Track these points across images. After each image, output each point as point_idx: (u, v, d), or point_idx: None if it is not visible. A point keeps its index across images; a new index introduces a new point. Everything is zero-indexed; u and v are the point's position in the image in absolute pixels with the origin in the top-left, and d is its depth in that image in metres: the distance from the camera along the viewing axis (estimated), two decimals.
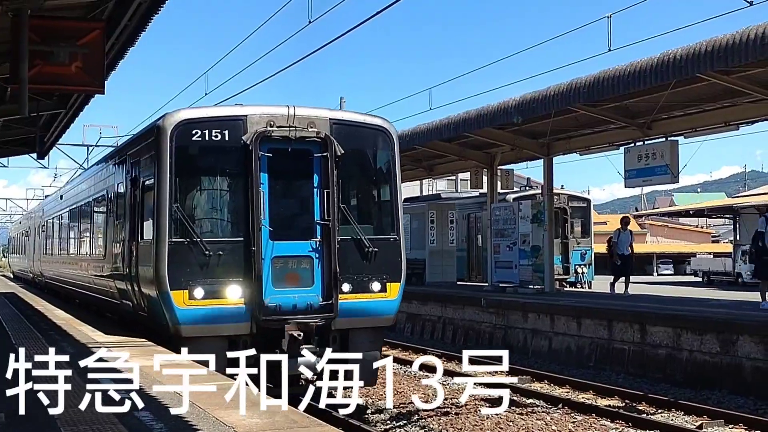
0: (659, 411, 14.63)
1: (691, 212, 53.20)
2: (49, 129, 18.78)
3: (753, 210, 42.28)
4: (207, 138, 12.53)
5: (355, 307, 13.01)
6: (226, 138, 12.59)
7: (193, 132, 12.53)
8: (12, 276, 56.12)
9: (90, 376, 7.81)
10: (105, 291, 16.96)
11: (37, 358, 7.66)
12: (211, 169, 13.22)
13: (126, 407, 7.68)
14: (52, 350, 7.84)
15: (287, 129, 12.78)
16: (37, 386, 7.62)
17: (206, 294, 12.27)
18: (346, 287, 12.90)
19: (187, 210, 12.68)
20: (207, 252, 12.30)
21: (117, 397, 7.93)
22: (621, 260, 25.33)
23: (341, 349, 12.78)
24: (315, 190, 13.03)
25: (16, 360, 7.42)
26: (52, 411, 7.52)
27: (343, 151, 12.99)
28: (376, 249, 13.16)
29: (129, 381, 8.79)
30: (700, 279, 43.99)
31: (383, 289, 13.26)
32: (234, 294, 12.37)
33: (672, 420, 13.94)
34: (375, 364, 11.26)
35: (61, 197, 26.10)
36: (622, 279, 25.69)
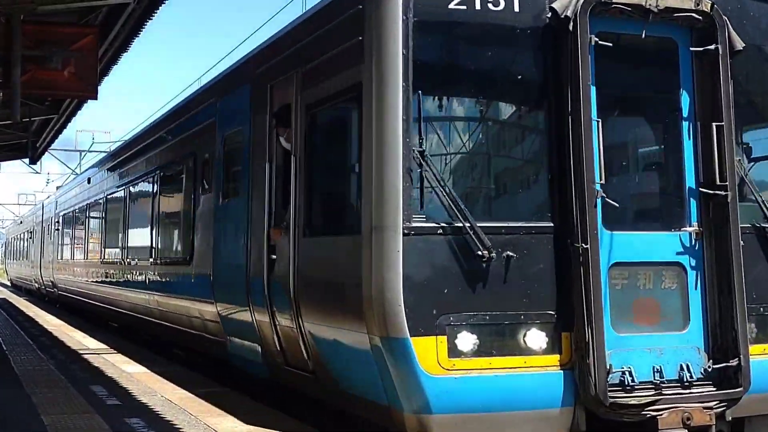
0: None
1: None
2: (41, 134, 18.70)
3: None
4: (476, 6, 6.31)
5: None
6: (515, 7, 6.39)
7: None
8: (10, 284, 50.82)
9: (83, 381, 7.81)
10: (188, 319, 10.80)
11: (31, 361, 7.65)
12: (485, 76, 6.60)
13: (118, 413, 7.69)
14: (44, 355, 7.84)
15: None
16: (28, 390, 7.63)
17: (483, 344, 6.03)
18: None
19: (439, 163, 6.36)
20: (482, 252, 6.01)
21: (109, 402, 7.93)
22: None
23: None
24: (685, 123, 6.72)
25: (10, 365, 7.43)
26: (42, 417, 7.52)
27: (743, 45, 6.70)
28: None
29: (122, 387, 8.82)
30: None
31: None
32: (537, 343, 6.15)
33: None
34: None
35: (89, 181, 19.93)
36: None
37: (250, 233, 8.49)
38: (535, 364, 6.10)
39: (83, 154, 38.44)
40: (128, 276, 14.34)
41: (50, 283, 26.27)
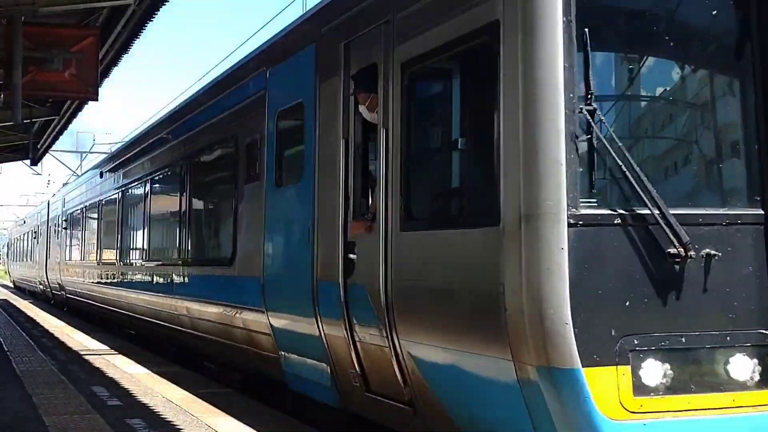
0: None
1: None
2: (42, 135, 18.75)
3: None
4: None
5: None
6: None
7: None
8: (12, 285, 50.00)
9: (84, 382, 7.82)
10: (228, 329, 9.36)
11: (32, 362, 7.67)
12: (668, 19, 5.03)
13: (119, 414, 7.71)
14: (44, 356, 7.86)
15: None
16: (30, 391, 7.65)
17: (677, 376, 4.54)
18: None
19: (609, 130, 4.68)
20: (677, 249, 4.47)
21: (110, 403, 7.95)
22: None
23: None
24: None
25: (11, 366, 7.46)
26: (44, 417, 7.55)
27: None
28: None
29: (123, 388, 8.84)
30: None
31: None
32: (747, 373, 4.65)
33: None
34: None
35: (101, 175, 18.65)
36: None
37: (316, 227, 6.92)
38: (747, 402, 4.53)
39: (84, 155, 38.48)
40: (151, 279, 12.81)
41: (57, 285, 24.99)
